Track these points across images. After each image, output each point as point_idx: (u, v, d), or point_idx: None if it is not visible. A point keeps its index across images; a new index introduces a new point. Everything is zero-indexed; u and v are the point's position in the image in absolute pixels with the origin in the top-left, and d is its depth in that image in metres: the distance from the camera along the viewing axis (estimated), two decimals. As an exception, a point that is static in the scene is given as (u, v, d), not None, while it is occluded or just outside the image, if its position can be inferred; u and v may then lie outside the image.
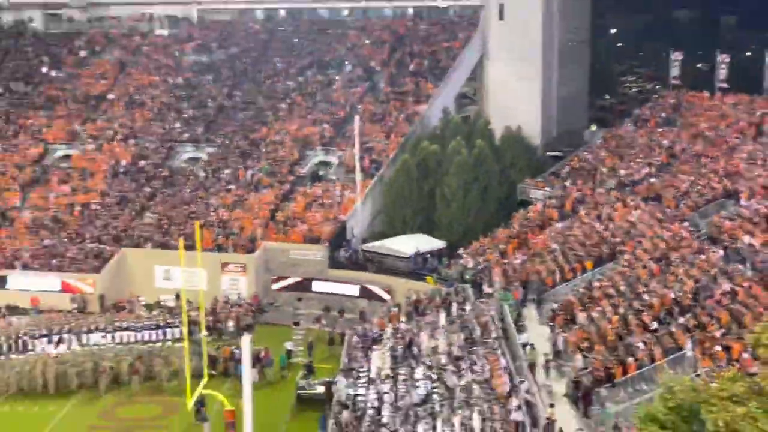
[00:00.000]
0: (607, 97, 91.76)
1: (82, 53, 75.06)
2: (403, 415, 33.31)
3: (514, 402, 31.42)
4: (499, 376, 34.24)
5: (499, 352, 36.74)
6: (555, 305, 41.48)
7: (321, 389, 41.09)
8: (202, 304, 45.51)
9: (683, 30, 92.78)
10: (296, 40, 74.88)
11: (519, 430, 30.04)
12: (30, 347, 46.41)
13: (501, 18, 68.64)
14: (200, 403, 38.80)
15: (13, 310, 53.78)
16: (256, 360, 43.30)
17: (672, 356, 32.52)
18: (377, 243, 56.54)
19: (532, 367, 35.42)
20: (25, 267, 57.00)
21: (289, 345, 47.39)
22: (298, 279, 55.46)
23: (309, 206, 59.56)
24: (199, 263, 46.56)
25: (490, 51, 70.40)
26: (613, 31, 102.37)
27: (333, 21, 76.44)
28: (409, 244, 55.26)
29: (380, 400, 35.08)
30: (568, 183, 57.49)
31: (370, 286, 53.50)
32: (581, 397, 32.69)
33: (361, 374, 39.09)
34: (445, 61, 70.27)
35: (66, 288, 55.78)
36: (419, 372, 36.68)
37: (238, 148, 65.53)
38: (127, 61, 74.36)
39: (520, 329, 39.32)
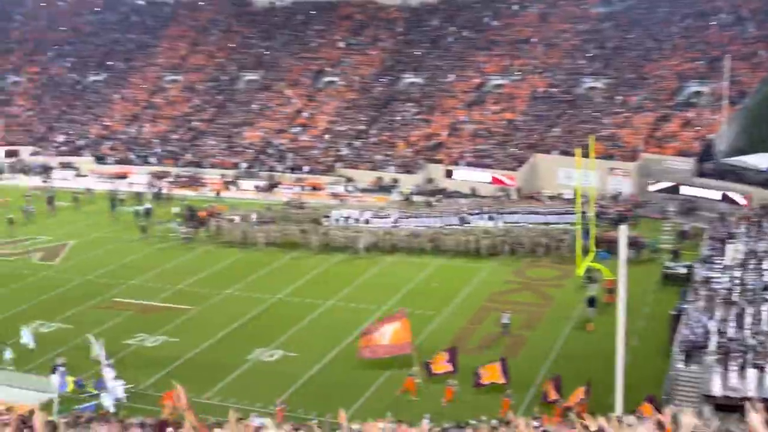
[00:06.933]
0: None
1: (514, 7, 75.19)
2: (751, 296, 31.27)
3: None
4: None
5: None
6: None
7: (683, 270, 39.32)
8: (593, 198, 45.11)
9: None
10: (681, -7, 69.92)
11: None
12: (468, 222, 48.74)
13: None
14: (588, 271, 38.96)
15: (457, 194, 56.43)
16: (632, 243, 42.29)
17: None
18: (738, 158, 52.19)
19: None
20: (467, 164, 59.49)
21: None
22: (669, 184, 52.98)
23: (683, 126, 56.24)
24: (592, 167, 46.05)
25: None
26: None
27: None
28: (765, 160, 50.63)
29: (732, 282, 33.14)
30: None
31: (729, 193, 49.86)
32: None
33: (716, 261, 37.03)
34: (812, 9, 62.20)
35: (494, 181, 57.49)
36: (766, 263, 34.00)
37: (629, 79, 62.93)
38: (547, 13, 73.44)
39: None
